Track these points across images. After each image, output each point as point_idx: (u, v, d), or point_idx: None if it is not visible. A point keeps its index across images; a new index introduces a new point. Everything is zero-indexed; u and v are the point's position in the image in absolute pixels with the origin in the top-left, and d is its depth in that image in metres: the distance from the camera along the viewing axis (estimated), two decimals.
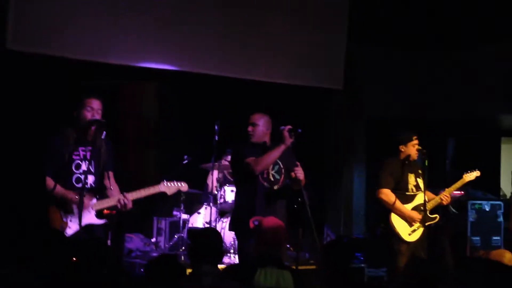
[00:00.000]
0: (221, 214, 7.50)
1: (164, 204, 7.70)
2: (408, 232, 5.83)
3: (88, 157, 4.84)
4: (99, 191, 4.89)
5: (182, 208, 7.41)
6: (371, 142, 9.40)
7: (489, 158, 9.27)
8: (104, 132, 4.80)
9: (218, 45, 7.11)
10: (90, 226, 4.77)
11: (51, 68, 6.37)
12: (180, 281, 3.55)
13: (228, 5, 7.13)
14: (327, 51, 7.77)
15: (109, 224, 4.88)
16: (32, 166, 5.07)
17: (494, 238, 7.77)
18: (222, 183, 7.44)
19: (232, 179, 7.43)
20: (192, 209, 7.72)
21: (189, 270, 5.35)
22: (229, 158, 7.51)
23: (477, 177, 6.25)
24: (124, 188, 4.95)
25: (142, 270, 6.63)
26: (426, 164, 5.76)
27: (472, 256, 7.01)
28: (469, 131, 9.30)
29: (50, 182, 4.74)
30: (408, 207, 5.86)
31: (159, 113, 9.07)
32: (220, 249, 3.96)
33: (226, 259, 6.82)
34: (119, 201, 4.82)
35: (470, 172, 6.22)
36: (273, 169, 5.41)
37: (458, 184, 6.19)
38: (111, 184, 4.95)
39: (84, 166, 4.83)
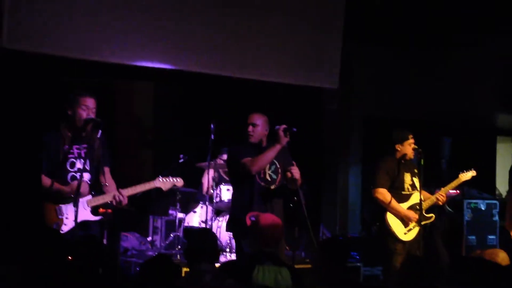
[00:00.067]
0: (217, 213, 7.50)
1: (160, 202, 7.69)
2: (404, 231, 5.84)
3: (82, 155, 4.84)
4: (95, 188, 4.89)
5: (178, 207, 7.41)
6: (366, 142, 9.40)
7: (485, 157, 9.29)
8: (100, 131, 4.80)
9: (213, 44, 7.09)
10: (85, 223, 4.78)
11: (47, 66, 6.35)
12: (175, 282, 3.56)
13: (224, 4, 7.12)
14: (323, 50, 7.75)
15: (105, 222, 4.88)
16: (27, 164, 5.06)
17: (489, 237, 7.79)
18: (217, 182, 7.44)
19: (227, 178, 7.43)
20: (188, 208, 7.71)
21: (185, 269, 5.39)
22: (224, 157, 7.52)
23: (473, 177, 6.27)
24: (120, 187, 4.95)
25: (138, 269, 6.63)
26: (422, 163, 5.77)
27: (466, 256, 7.02)
28: (464, 130, 9.31)
29: (45, 180, 4.75)
30: (404, 206, 5.87)
31: (154, 112, 9.06)
32: (216, 249, 3.97)
33: (222, 258, 6.82)
34: (114, 197, 4.82)
35: (466, 171, 6.24)
36: (269, 169, 5.41)
37: (454, 183, 6.20)
38: (107, 180, 4.95)
39: (79, 164, 4.83)
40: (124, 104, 8.86)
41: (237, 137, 5.58)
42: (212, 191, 7.33)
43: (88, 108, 4.85)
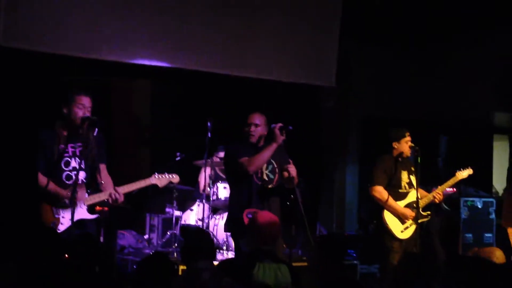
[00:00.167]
0: (214, 211, 7.49)
1: (157, 199, 7.69)
2: (401, 229, 5.84)
3: (77, 153, 4.83)
4: (91, 186, 4.89)
5: (174, 205, 7.40)
6: (364, 141, 9.41)
7: (482, 155, 9.29)
8: (96, 130, 4.79)
9: (211, 42, 7.09)
10: (82, 221, 4.77)
11: (43, 64, 6.34)
12: (172, 280, 3.56)
13: (222, 3, 7.12)
14: (320, 48, 7.76)
15: (101, 221, 4.88)
16: (23, 162, 5.06)
17: (486, 235, 7.80)
18: (214, 180, 7.44)
19: (224, 176, 7.43)
20: (184, 206, 7.71)
21: (182, 267, 5.39)
22: (220, 154, 7.52)
23: (469, 175, 6.27)
24: (117, 185, 4.94)
25: (134, 267, 6.63)
26: (419, 161, 5.77)
27: (463, 254, 7.03)
28: (461, 128, 9.32)
29: (42, 178, 4.74)
30: (401, 204, 5.88)
31: (152, 110, 9.05)
32: (212, 247, 3.98)
33: (219, 256, 6.82)
34: (110, 195, 4.82)
35: (463, 169, 6.25)
36: (267, 168, 5.41)
37: (451, 181, 6.21)
38: (103, 178, 4.94)
39: (74, 163, 4.83)
40: (122, 102, 8.85)
41: (234, 135, 5.58)
42: (209, 189, 7.33)
43: (84, 106, 4.84)
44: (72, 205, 4.54)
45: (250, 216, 4.74)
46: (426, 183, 6.22)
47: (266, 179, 5.39)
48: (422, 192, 5.99)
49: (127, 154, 8.59)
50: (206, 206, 7.22)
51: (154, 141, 8.93)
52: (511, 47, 8.41)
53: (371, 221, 6.26)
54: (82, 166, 4.83)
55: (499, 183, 8.92)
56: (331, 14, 7.70)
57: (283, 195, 5.44)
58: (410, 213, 5.84)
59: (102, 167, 4.97)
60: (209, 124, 7.09)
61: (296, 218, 5.27)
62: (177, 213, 7.47)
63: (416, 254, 5.43)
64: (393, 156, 5.96)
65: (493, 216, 7.87)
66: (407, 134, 5.96)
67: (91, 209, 4.83)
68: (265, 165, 5.37)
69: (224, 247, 7.03)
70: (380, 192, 5.84)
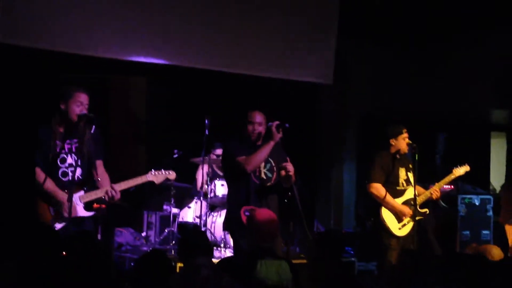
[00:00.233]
0: (212, 208, 7.49)
1: (154, 197, 7.69)
2: (398, 226, 5.84)
3: (74, 150, 4.82)
4: (87, 183, 4.88)
5: (172, 202, 7.40)
6: (361, 138, 9.41)
7: (479, 152, 9.31)
8: (94, 127, 4.78)
9: (207, 39, 7.08)
10: (79, 219, 4.76)
11: (41, 61, 6.32)
12: (170, 277, 3.55)
13: (220, 1, 7.11)
14: (317, 46, 7.75)
15: (99, 218, 4.87)
16: (21, 159, 5.04)
17: (483, 232, 7.82)
18: (212, 177, 7.43)
19: (221, 173, 7.42)
20: (182, 203, 7.71)
21: (179, 264, 5.39)
22: (217, 151, 7.52)
23: (466, 172, 6.28)
24: (114, 182, 4.93)
25: (132, 264, 6.63)
26: (417, 158, 5.77)
27: (461, 252, 7.04)
28: (459, 126, 9.33)
29: (40, 174, 4.72)
30: (398, 201, 5.88)
31: (148, 107, 9.04)
32: (208, 245, 3.98)
33: (216, 253, 6.82)
34: (106, 192, 4.80)
35: (460, 166, 6.25)
36: (265, 167, 5.40)
37: (448, 178, 6.21)
38: (100, 174, 4.92)
39: (70, 160, 4.82)
40: (118, 99, 8.84)
41: (231, 132, 5.56)
42: (206, 186, 7.33)
43: (82, 103, 4.82)
44: (69, 200, 4.53)
45: (247, 213, 4.73)
46: (423, 180, 6.22)
47: (264, 177, 5.38)
48: (419, 189, 5.99)
49: (124, 151, 8.58)
50: (204, 203, 7.22)
51: (151, 138, 8.93)
52: (511, 47, 8.41)
53: (368, 218, 6.26)
54: (79, 163, 4.82)
55: (496, 180, 8.95)
56: (330, 14, 7.70)
57: (281, 193, 5.43)
58: (407, 210, 5.84)
59: (99, 164, 4.95)
60: (206, 121, 7.09)
61: (294, 216, 5.27)
62: (174, 210, 7.47)
63: (413, 251, 5.43)
64: (390, 153, 5.96)
65: (490, 213, 7.88)
66: (404, 130, 5.96)
67: (87, 206, 4.82)
68: (263, 164, 5.36)
69: (222, 245, 7.03)
70: (378, 189, 5.84)
